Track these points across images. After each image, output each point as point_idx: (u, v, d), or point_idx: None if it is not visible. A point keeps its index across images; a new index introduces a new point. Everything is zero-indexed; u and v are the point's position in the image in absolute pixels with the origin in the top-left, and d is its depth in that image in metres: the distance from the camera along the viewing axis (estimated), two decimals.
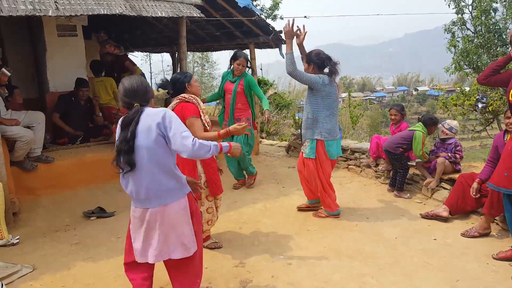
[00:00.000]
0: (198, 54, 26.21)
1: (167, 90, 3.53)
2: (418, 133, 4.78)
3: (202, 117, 3.38)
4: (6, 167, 4.30)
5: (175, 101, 3.39)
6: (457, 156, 4.71)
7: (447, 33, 10.64)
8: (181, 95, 3.41)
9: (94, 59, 7.09)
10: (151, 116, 2.45)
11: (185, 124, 3.03)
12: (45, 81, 6.52)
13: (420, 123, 4.90)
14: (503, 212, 3.78)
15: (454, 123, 4.87)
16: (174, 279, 2.70)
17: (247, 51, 8.09)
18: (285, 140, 8.75)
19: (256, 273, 3.29)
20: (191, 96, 3.40)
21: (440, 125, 4.89)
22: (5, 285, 3.15)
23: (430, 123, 4.90)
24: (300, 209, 4.63)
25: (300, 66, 4.22)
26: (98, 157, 5.49)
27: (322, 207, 4.50)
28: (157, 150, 2.44)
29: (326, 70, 4.23)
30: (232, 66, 5.17)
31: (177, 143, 2.41)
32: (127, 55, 8.04)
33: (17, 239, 3.98)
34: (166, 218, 2.50)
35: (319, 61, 4.22)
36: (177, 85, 3.42)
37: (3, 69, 4.55)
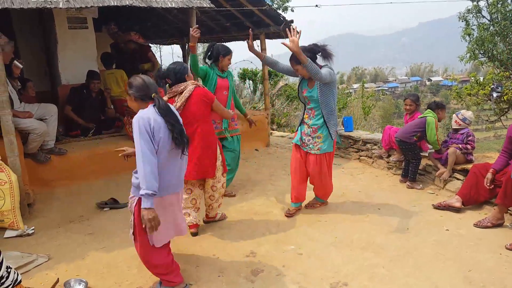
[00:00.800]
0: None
1: (165, 80, 3.76)
2: (430, 118, 4.74)
3: None
4: (20, 159, 4.36)
5: (191, 86, 3.60)
6: (468, 146, 4.64)
7: (462, 21, 10.38)
8: (191, 81, 3.67)
9: (104, 51, 7.12)
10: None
11: (212, 106, 3.68)
12: (57, 74, 6.58)
13: (428, 109, 4.87)
14: None
15: (468, 113, 4.77)
16: None
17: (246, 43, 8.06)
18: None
19: (267, 263, 3.30)
20: (198, 83, 3.71)
21: (454, 115, 4.83)
22: (21, 274, 3.21)
23: (434, 106, 4.88)
24: (289, 215, 4.27)
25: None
26: (110, 149, 5.51)
27: (315, 199, 4.47)
28: None
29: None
30: (219, 61, 4.67)
31: None
32: (150, 46, 7.99)
33: (32, 229, 4.05)
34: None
35: (310, 54, 3.84)
36: (178, 75, 3.64)
37: (16, 62, 4.60)
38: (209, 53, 4.72)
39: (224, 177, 3.95)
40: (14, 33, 6.69)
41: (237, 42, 8.81)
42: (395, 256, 3.33)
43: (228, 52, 4.68)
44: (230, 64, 4.78)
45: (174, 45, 11.69)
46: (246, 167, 5.96)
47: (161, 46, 18.60)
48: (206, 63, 4.73)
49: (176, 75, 3.62)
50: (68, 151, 5.25)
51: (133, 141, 5.85)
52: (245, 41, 4.46)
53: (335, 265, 3.24)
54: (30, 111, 4.77)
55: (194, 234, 3.87)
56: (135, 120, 2.63)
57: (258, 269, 3.23)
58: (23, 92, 5.23)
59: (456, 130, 4.81)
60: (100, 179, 5.31)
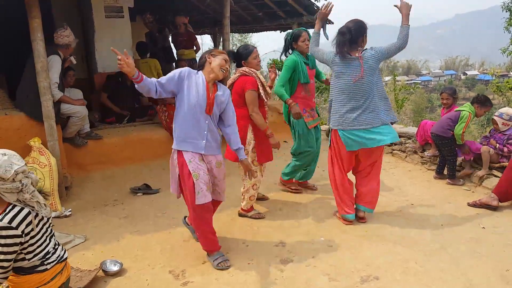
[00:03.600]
0: (237, 36, 26.16)
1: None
2: (464, 113, 4.62)
3: (260, 89, 3.72)
4: (59, 143, 4.53)
5: (237, 74, 3.76)
6: (505, 149, 4.47)
7: (506, 11, 9.92)
8: (242, 68, 3.76)
9: (138, 40, 7.24)
10: None
11: (244, 95, 3.66)
12: (93, 62, 6.75)
13: (468, 103, 4.73)
14: None
15: (504, 110, 4.62)
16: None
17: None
18: (325, 124, 8.62)
19: (297, 254, 3.31)
20: (251, 70, 3.73)
21: (496, 117, 4.62)
22: None
23: (474, 100, 4.72)
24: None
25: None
26: (143, 136, 5.67)
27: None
28: None
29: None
30: (293, 48, 4.33)
31: None
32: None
33: (70, 211, 4.21)
34: None
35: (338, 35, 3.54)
36: (236, 59, 3.81)
37: (72, 58, 4.88)
38: (285, 47, 4.40)
39: (255, 165, 3.87)
40: (54, 21, 6.87)
41: (267, 32, 8.79)
42: (429, 252, 3.27)
43: (299, 34, 4.23)
44: (307, 45, 4.19)
45: (205, 35, 11.75)
46: (275, 157, 5.94)
47: None
48: (287, 55, 4.40)
49: (235, 58, 3.80)
50: (103, 137, 5.40)
51: (165, 129, 5.98)
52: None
53: (366, 258, 3.21)
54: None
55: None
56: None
57: (287, 258, 3.24)
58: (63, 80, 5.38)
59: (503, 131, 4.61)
60: (133, 165, 5.44)
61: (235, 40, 27.51)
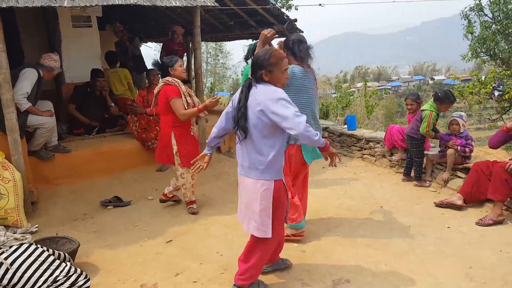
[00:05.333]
0: (212, 44, 26.19)
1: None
2: (425, 112, 4.78)
3: (183, 98, 3.99)
4: (24, 157, 4.38)
5: (160, 84, 4.07)
6: (467, 150, 4.65)
7: (464, 19, 10.38)
8: (165, 78, 4.05)
9: (108, 50, 7.15)
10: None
11: (169, 103, 3.94)
12: (60, 73, 6.60)
13: (431, 100, 4.90)
14: (509, 197, 3.85)
15: (462, 113, 4.93)
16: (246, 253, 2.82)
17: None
18: None
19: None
20: (174, 80, 4.03)
21: (458, 119, 4.78)
22: None
23: (434, 98, 4.83)
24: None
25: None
26: (114, 148, 5.57)
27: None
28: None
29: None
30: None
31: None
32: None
33: (36, 227, 4.08)
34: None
35: (290, 46, 3.36)
36: (163, 68, 4.09)
37: None
38: (248, 54, 4.65)
39: (182, 168, 4.14)
40: (19, 31, 6.70)
41: (241, 41, 8.86)
42: (398, 253, 3.35)
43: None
44: None
45: None
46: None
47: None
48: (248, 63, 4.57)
49: (161, 67, 4.10)
50: (72, 149, 5.26)
51: (137, 139, 5.89)
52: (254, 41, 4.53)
53: (339, 262, 3.26)
54: None
55: (160, 201, 4.52)
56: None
57: None
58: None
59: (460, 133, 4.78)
60: (103, 177, 5.33)
61: (209, 49, 27.48)
